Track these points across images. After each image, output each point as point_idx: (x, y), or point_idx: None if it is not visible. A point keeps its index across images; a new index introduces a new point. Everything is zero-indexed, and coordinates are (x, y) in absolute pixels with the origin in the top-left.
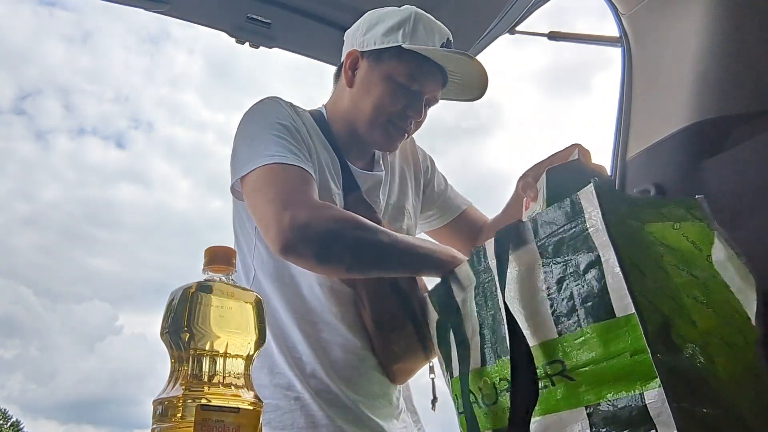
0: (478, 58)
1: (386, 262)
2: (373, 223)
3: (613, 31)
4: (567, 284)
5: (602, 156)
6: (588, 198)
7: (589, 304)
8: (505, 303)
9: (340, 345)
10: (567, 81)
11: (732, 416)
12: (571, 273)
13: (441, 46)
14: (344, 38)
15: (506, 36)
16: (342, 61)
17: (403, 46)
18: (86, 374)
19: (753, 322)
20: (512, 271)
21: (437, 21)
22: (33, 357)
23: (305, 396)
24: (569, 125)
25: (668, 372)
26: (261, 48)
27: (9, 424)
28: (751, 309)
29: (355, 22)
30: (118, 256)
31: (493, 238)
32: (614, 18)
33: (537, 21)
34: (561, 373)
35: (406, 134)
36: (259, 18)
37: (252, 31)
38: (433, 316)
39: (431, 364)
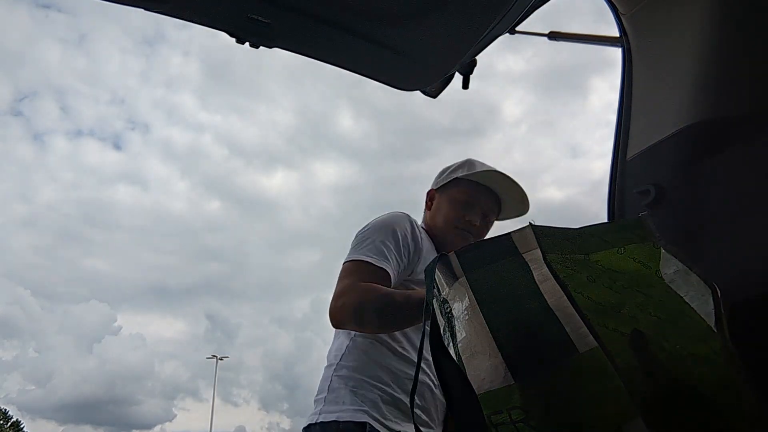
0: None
1: (404, 316)
2: (389, 290)
3: (613, 31)
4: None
5: (602, 156)
6: (525, 238)
7: (547, 345)
8: (455, 347)
9: (429, 378)
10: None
11: (723, 424)
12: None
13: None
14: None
15: (506, 36)
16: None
17: (458, 176)
18: (84, 375)
19: (714, 329)
20: (457, 307)
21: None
22: (31, 358)
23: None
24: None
25: (647, 402)
26: (261, 48)
27: (9, 423)
28: (709, 318)
29: (354, 22)
30: (116, 257)
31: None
32: (614, 18)
33: (537, 21)
34: (523, 420)
35: (472, 236)
36: (259, 18)
37: (252, 31)
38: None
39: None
